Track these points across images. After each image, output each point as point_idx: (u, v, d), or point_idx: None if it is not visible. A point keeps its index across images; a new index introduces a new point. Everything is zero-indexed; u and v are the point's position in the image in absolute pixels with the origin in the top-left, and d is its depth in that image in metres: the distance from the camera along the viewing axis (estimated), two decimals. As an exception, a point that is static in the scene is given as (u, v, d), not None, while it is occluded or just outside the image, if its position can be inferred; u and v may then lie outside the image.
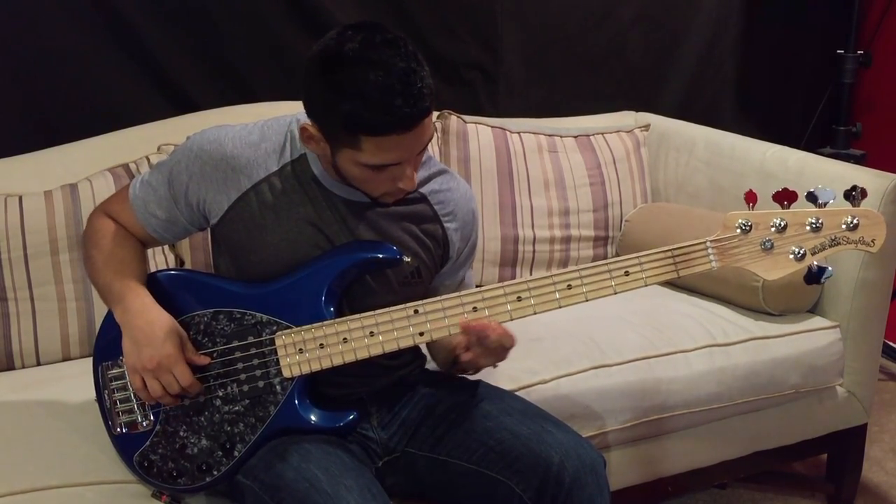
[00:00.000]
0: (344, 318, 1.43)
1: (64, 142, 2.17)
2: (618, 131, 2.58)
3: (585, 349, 1.93)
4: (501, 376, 1.78)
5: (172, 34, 2.33)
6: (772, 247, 1.36)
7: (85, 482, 1.50)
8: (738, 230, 1.36)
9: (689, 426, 1.98)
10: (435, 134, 2.38)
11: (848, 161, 2.54)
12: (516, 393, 1.70)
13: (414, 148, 1.36)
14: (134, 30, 2.29)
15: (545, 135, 2.48)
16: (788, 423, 2.11)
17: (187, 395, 1.46)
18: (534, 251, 2.39)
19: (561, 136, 2.50)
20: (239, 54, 2.42)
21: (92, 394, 1.55)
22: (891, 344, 2.84)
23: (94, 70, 2.27)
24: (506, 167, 2.38)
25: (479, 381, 1.62)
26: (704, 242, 1.38)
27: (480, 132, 2.39)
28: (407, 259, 1.49)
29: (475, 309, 1.41)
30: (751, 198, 1.36)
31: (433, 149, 2.36)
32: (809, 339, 2.07)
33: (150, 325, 1.42)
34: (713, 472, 2.08)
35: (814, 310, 2.16)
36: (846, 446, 2.25)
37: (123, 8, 2.26)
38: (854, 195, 1.35)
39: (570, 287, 1.39)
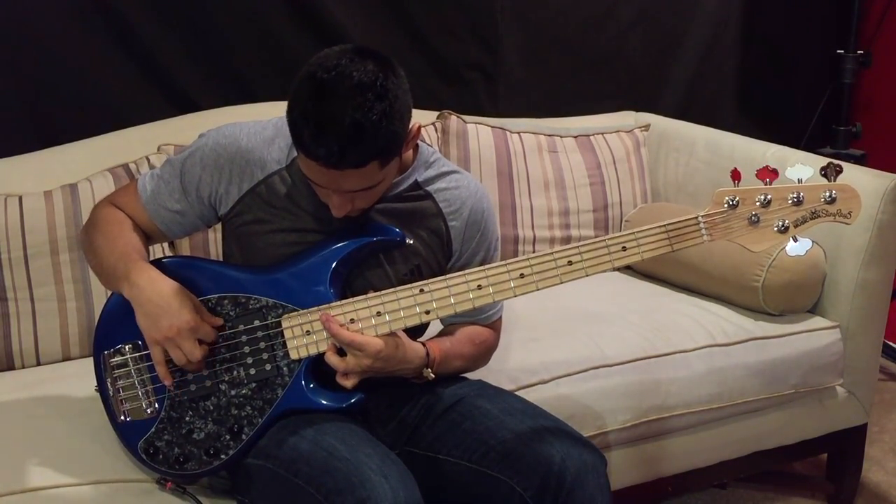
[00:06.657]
0: (350, 300, 1.45)
1: (64, 142, 2.17)
2: (618, 131, 2.58)
3: (585, 349, 1.93)
4: (501, 376, 1.78)
5: (173, 34, 2.33)
6: (758, 220, 1.40)
7: (84, 482, 1.50)
8: (727, 205, 1.40)
9: (689, 426, 1.98)
10: (436, 134, 2.39)
11: (848, 161, 2.54)
12: (516, 393, 1.70)
13: (340, 184, 1.37)
14: (134, 30, 2.29)
15: (545, 135, 2.48)
16: (788, 423, 2.12)
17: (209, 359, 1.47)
18: (534, 251, 2.37)
19: (561, 136, 2.50)
20: (239, 54, 2.42)
21: (92, 393, 1.55)
22: (891, 344, 2.84)
23: (94, 70, 2.27)
24: (506, 167, 2.38)
25: (479, 381, 1.62)
26: (696, 217, 1.41)
27: (480, 132, 2.39)
28: (410, 241, 1.51)
29: (479, 287, 1.43)
30: (736, 175, 1.41)
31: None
32: (809, 339, 2.07)
33: (161, 295, 1.43)
34: (713, 472, 2.08)
35: (814, 310, 2.16)
36: (846, 446, 2.26)
37: (124, 8, 2.26)
38: (828, 172, 1.39)
39: (570, 263, 1.42)
